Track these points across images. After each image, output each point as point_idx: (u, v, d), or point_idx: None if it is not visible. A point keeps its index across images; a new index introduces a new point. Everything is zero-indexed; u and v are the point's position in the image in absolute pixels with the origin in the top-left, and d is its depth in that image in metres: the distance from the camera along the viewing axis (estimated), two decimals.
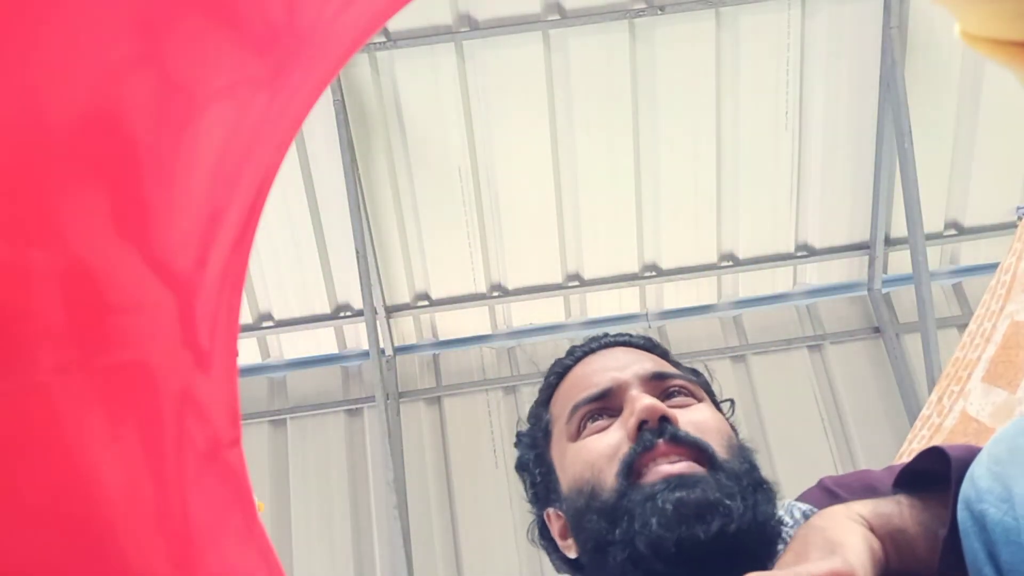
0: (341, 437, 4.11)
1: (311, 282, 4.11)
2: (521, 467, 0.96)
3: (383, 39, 3.69)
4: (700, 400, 0.89)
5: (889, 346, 4.13)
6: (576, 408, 0.88)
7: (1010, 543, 0.61)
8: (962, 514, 0.66)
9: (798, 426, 4.02)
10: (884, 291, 4.28)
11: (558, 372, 0.96)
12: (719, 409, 0.93)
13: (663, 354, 0.96)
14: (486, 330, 4.33)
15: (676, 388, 0.88)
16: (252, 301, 4.10)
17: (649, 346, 0.96)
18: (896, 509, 0.73)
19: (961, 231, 4.23)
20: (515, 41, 3.73)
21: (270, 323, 4.18)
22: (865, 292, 4.31)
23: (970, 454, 0.70)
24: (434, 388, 4.21)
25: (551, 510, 0.90)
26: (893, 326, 4.18)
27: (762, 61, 3.86)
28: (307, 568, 3.89)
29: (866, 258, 4.25)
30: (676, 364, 0.95)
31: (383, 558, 3.90)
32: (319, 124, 3.73)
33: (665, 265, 4.23)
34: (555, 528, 0.90)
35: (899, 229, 4.10)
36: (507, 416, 4.08)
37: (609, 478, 0.80)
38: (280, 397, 4.22)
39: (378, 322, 4.06)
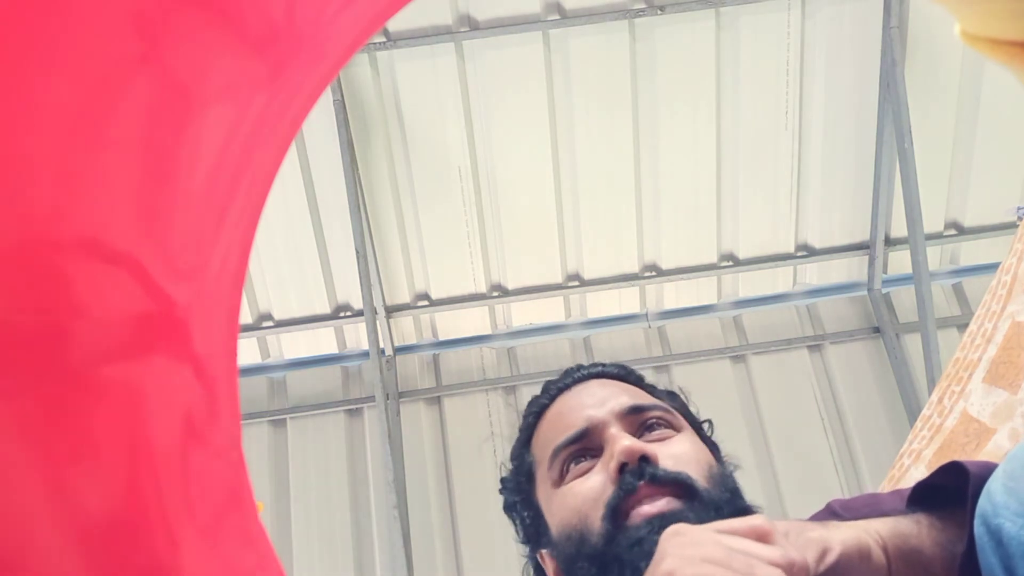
0: (341, 437, 4.11)
1: (311, 282, 4.11)
2: (509, 509, 0.96)
3: (383, 39, 3.69)
4: (679, 430, 0.88)
5: (889, 346, 4.13)
6: (556, 452, 0.87)
7: None
8: (979, 529, 0.66)
9: (798, 426, 4.02)
10: (884, 291, 4.27)
11: (535, 412, 0.96)
12: (700, 430, 0.93)
13: (638, 380, 0.96)
14: (486, 330, 4.33)
15: (654, 420, 0.88)
16: (252, 301, 4.10)
17: (623, 375, 0.96)
18: (915, 529, 0.73)
19: (961, 231, 4.23)
20: (515, 41, 3.73)
21: (270, 323, 4.18)
22: (865, 292, 4.31)
23: (987, 470, 0.70)
24: (434, 388, 4.21)
25: (544, 551, 0.90)
26: (893, 326, 4.17)
27: (762, 61, 3.86)
28: (307, 568, 3.88)
29: (866, 258, 4.25)
30: (652, 389, 0.95)
31: (383, 558, 3.90)
32: (319, 124, 3.73)
33: (665, 265, 4.23)
34: (549, 569, 0.90)
35: (899, 229, 4.10)
36: (507, 416, 4.08)
37: (595, 523, 0.80)
38: (280, 397, 4.22)
39: (378, 322, 4.06)
